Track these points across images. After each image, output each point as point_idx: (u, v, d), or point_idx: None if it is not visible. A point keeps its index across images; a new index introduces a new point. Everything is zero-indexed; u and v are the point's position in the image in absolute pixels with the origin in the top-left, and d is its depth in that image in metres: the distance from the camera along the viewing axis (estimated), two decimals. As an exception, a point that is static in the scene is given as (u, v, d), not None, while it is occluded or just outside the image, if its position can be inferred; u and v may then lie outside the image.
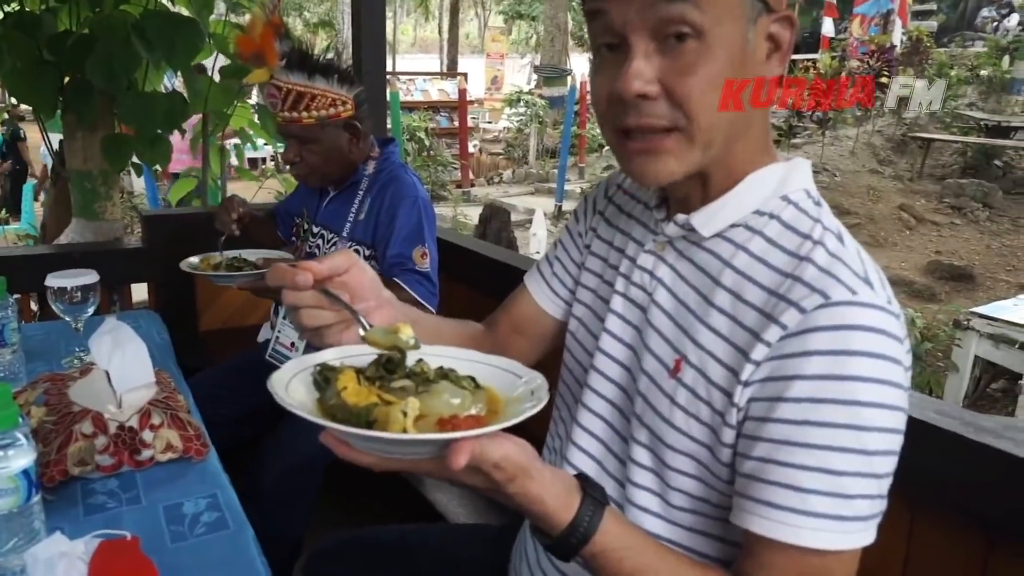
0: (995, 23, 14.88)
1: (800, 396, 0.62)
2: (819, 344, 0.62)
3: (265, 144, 3.33)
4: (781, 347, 0.63)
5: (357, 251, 1.78)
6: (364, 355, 0.66)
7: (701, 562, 0.69)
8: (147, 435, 1.02)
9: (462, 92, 10.83)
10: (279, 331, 1.84)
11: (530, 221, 8.67)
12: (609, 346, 0.80)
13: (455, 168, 10.85)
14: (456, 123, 11.43)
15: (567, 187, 9.77)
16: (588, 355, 0.83)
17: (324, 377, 0.62)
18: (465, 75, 12.15)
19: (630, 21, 0.64)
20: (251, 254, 1.79)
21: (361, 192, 1.81)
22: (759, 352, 0.65)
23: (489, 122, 16.74)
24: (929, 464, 0.97)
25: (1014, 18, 14.83)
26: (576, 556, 0.64)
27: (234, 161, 3.42)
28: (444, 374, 0.64)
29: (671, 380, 0.72)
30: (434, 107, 11.59)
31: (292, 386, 0.62)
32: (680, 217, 0.74)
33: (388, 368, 0.64)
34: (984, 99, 12.87)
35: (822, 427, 0.61)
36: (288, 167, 1.83)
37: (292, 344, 1.81)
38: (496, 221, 5.20)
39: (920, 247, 8.77)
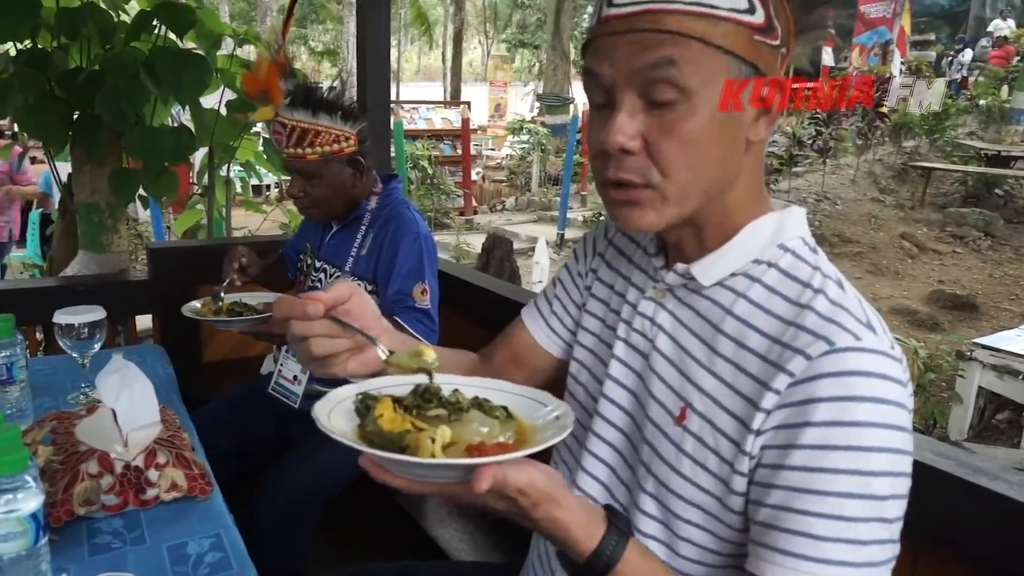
0: (949, 58, 15.05)
1: (810, 443, 0.64)
2: (826, 390, 0.63)
3: (268, 172, 3.37)
4: (790, 394, 0.65)
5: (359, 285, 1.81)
6: (402, 385, 0.70)
7: None
8: (152, 474, 1.03)
9: (465, 121, 10.97)
10: (282, 364, 1.86)
11: (533, 249, 8.70)
12: (613, 392, 0.81)
13: (458, 196, 10.93)
14: (459, 151, 11.54)
15: (569, 215, 9.83)
16: (592, 399, 0.84)
17: (365, 405, 0.67)
18: (468, 104, 12.31)
19: (618, 81, 0.68)
20: (252, 298, 1.82)
21: (364, 227, 1.84)
22: (769, 400, 0.66)
23: (492, 149, 16.88)
24: (928, 504, 0.98)
25: (967, 53, 15.04)
26: None
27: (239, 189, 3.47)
28: (479, 403, 0.68)
29: (677, 428, 0.73)
30: (437, 135, 11.71)
31: (334, 414, 0.67)
32: (680, 266, 0.76)
33: (425, 397, 0.68)
34: (984, 128, 12.98)
35: (833, 473, 0.63)
36: (293, 201, 1.87)
37: (295, 377, 1.82)
38: (499, 250, 5.24)
39: (922, 276, 8.78)
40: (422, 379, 0.70)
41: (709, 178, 0.69)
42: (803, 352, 0.65)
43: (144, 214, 6.92)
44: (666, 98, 0.66)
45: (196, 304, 1.80)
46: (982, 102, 13.28)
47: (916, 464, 0.96)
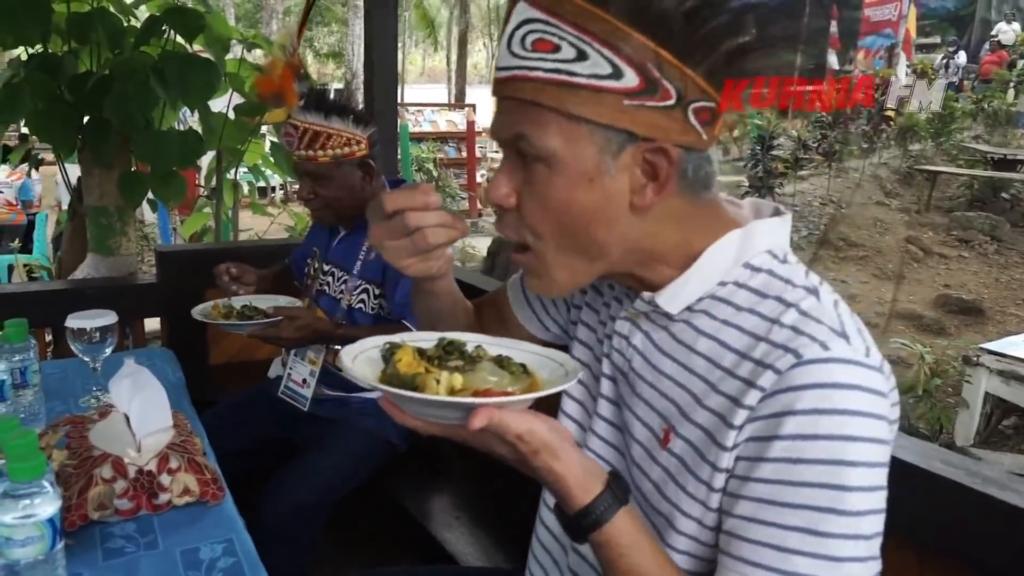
0: (945, 61, 14.95)
1: (779, 456, 0.63)
2: (795, 404, 0.63)
3: (273, 173, 3.39)
4: (760, 408, 0.65)
5: (367, 290, 1.82)
6: (430, 340, 0.75)
7: None
8: (165, 479, 1.04)
9: (470, 124, 10.98)
10: (291, 368, 1.87)
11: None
12: (603, 409, 0.82)
13: (463, 198, 10.95)
14: (464, 153, 11.55)
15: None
16: (587, 415, 0.85)
17: (390, 352, 0.71)
18: (473, 107, 12.32)
19: (499, 134, 0.71)
20: (262, 301, 1.83)
21: None
22: (739, 417, 0.66)
23: (497, 151, 16.91)
24: (936, 514, 0.99)
25: (961, 56, 14.98)
26: (586, 538, 0.67)
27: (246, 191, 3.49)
28: (499, 359, 0.71)
29: (663, 451, 0.73)
30: (442, 137, 11.72)
31: (359, 361, 0.72)
32: (646, 294, 0.75)
33: (447, 350, 0.72)
34: (990, 132, 12.95)
35: (804, 487, 0.62)
36: (302, 204, 1.88)
37: (304, 381, 1.83)
38: (504, 254, 5.25)
39: (928, 280, 8.76)
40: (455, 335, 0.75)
41: (590, 241, 0.70)
42: (772, 367, 0.65)
43: (151, 216, 6.95)
44: (530, 162, 0.69)
45: (206, 306, 1.82)
46: (987, 105, 13.27)
47: (925, 473, 0.98)
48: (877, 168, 11.69)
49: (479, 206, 11.28)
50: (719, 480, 0.68)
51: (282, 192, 10.48)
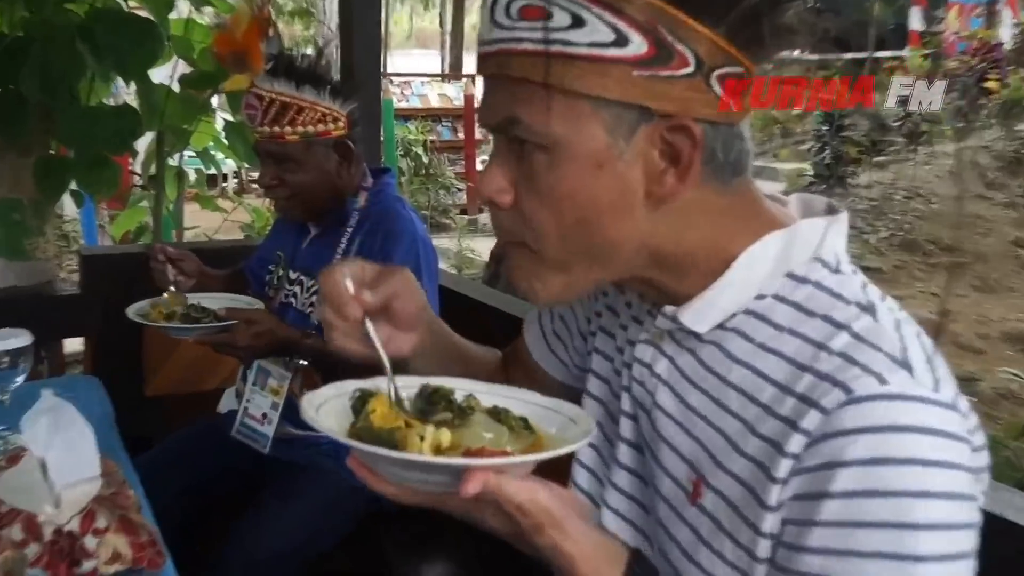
0: None
1: (831, 519, 0.62)
2: (847, 453, 0.62)
3: (226, 158, 3.41)
4: (806, 458, 0.64)
5: None
6: (409, 387, 0.75)
7: None
8: (90, 542, 1.03)
9: (468, 98, 11.02)
10: (248, 400, 1.87)
11: (552, 257, 8.74)
12: (624, 456, 0.82)
13: (459, 190, 10.99)
14: (461, 135, 11.60)
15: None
16: (604, 464, 0.85)
17: (361, 400, 0.72)
18: (472, 78, 12.37)
19: (488, 120, 0.72)
20: (212, 301, 1.83)
21: (349, 230, 1.85)
22: (783, 468, 0.65)
23: (500, 133, 17.00)
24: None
25: None
26: None
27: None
28: (495, 412, 0.72)
29: (692, 508, 0.73)
30: (434, 115, 11.78)
31: (324, 410, 0.72)
32: (668, 309, 0.75)
33: (432, 400, 0.72)
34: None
35: (865, 559, 0.61)
36: (264, 194, 1.88)
37: (264, 416, 1.84)
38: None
39: (1043, 293, 8.74)
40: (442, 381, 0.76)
41: (600, 240, 0.71)
42: (818, 404, 0.64)
43: (71, 210, 6.99)
44: (527, 150, 0.70)
45: (144, 305, 1.80)
46: None
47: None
48: (976, 153, 11.67)
49: (479, 200, 11.32)
50: (763, 548, 0.67)
51: (236, 182, 10.54)
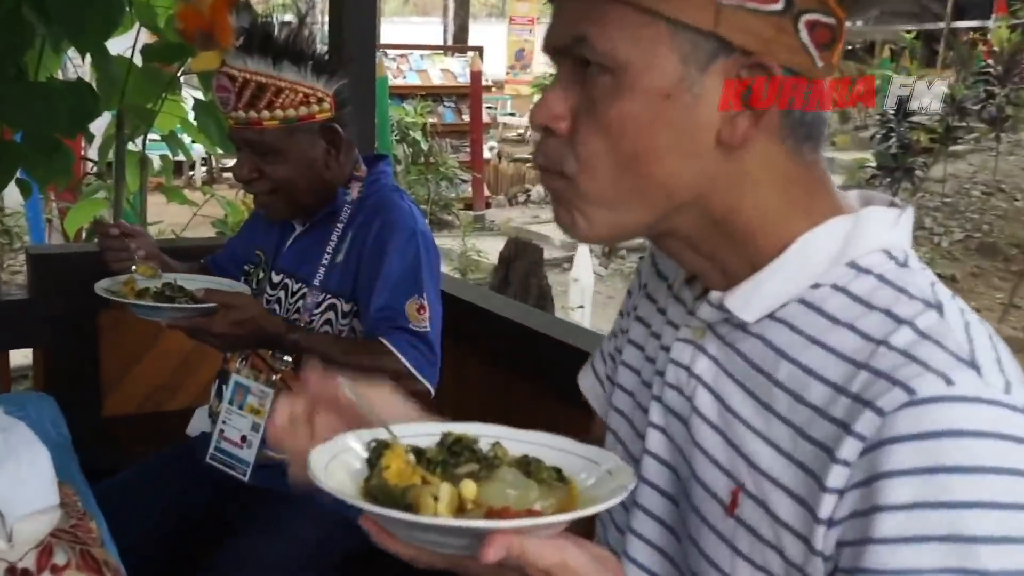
0: None
1: (890, 535, 0.65)
2: (906, 461, 0.64)
3: (194, 142, 3.44)
4: (862, 466, 0.66)
5: (334, 306, 1.85)
6: (432, 435, 0.77)
7: None
8: (47, 580, 1.06)
9: (475, 75, 11.03)
10: (224, 422, 1.89)
11: (569, 260, 8.69)
12: (651, 472, 0.85)
13: (464, 182, 11.02)
14: (466, 118, 11.64)
15: (624, 211, 9.90)
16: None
17: (376, 453, 0.73)
18: (480, 50, 12.43)
19: (554, 41, 0.76)
20: (190, 282, 1.85)
21: (340, 225, 1.87)
22: (837, 477, 0.68)
23: (512, 114, 16.91)
24: None
25: None
26: None
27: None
28: (525, 462, 0.74)
29: (729, 520, 0.75)
30: (435, 94, 11.83)
31: (334, 464, 0.74)
32: (714, 295, 0.79)
33: (454, 450, 0.74)
34: None
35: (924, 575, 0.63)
36: (242, 187, 1.90)
37: (243, 439, 1.85)
38: (523, 262, 5.30)
39: None
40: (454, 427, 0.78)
41: (655, 180, 0.75)
42: (873, 405, 0.66)
43: (15, 202, 7.04)
44: (592, 74, 0.74)
45: (115, 281, 1.81)
46: None
47: None
48: (931, 90, 11.61)
49: (487, 193, 11.36)
50: (816, 567, 0.69)
51: (205, 170, 10.60)
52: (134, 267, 1.85)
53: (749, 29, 0.70)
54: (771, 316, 0.77)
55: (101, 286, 1.78)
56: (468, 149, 11.46)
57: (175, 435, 2.18)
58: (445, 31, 20.76)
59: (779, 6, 0.70)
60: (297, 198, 1.85)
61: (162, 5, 2.89)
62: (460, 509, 0.68)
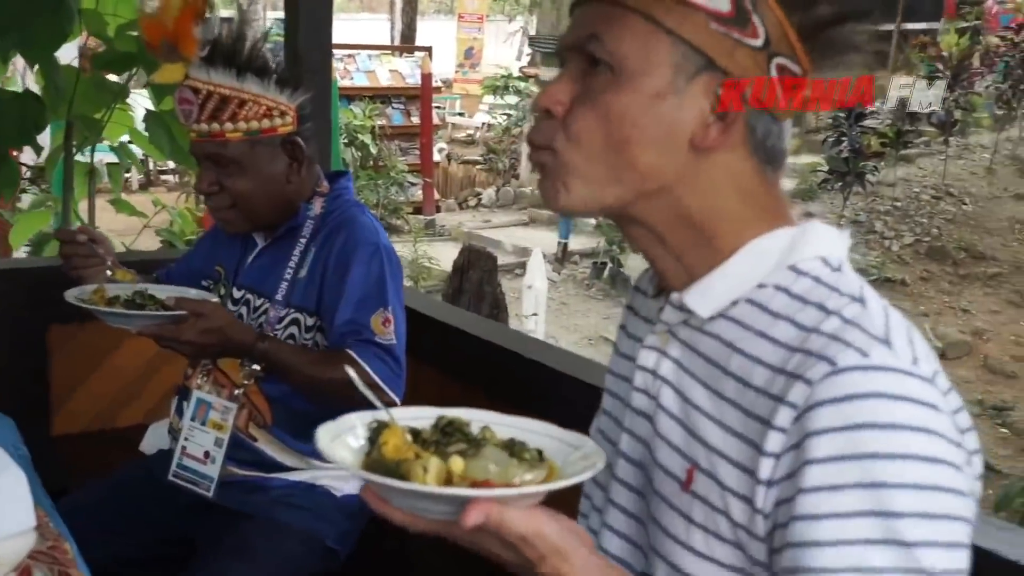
0: None
1: (816, 484, 0.77)
2: (829, 420, 0.77)
3: (146, 155, 3.44)
4: (795, 431, 0.79)
5: (297, 321, 1.90)
6: (427, 418, 0.88)
7: None
8: (26, 602, 1.10)
9: (426, 77, 11.04)
10: (186, 439, 1.91)
11: (522, 266, 8.76)
12: (623, 472, 0.97)
13: (413, 185, 11.02)
14: (415, 119, 11.64)
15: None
16: (602, 491, 1.00)
17: (377, 431, 0.84)
18: (429, 50, 12.45)
19: (569, 39, 0.91)
20: (160, 290, 1.90)
21: (303, 240, 1.91)
22: (774, 442, 0.80)
23: (461, 114, 16.96)
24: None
25: None
26: None
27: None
28: (510, 444, 0.84)
29: (685, 495, 0.88)
30: (383, 95, 11.81)
31: (337, 443, 0.85)
32: (674, 296, 0.92)
33: (446, 431, 0.84)
34: None
35: (846, 519, 0.75)
36: (204, 202, 1.93)
37: (206, 455, 1.87)
38: (477, 270, 5.35)
39: (1091, 309, 8.99)
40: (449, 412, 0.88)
41: (628, 164, 0.88)
42: (803, 377, 0.79)
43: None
44: (596, 69, 0.88)
45: (85, 289, 1.85)
46: None
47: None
48: (1016, 145, 11.98)
49: (436, 197, 11.38)
50: (758, 525, 0.82)
51: (143, 175, 10.44)
52: (109, 272, 1.90)
53: (732, 55, 0.85)
54: (723, 315, 0.89)
55: (71, 295, 1.82)
56: (417, 152, 11.49)
57: (126, 453, 2.19)
58: (393, 28, 20.73)
59: (759, 42, 0.85)
60: (257, 212, 1.88)
61: (111, 14, 2.90)
62: (448, 482, 0.78)
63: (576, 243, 9.77)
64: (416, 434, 0.84)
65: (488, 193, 12.03)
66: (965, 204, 10.77)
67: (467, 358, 2.22)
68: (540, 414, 0.95)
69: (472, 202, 12.03)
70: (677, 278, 0.92)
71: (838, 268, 0.88)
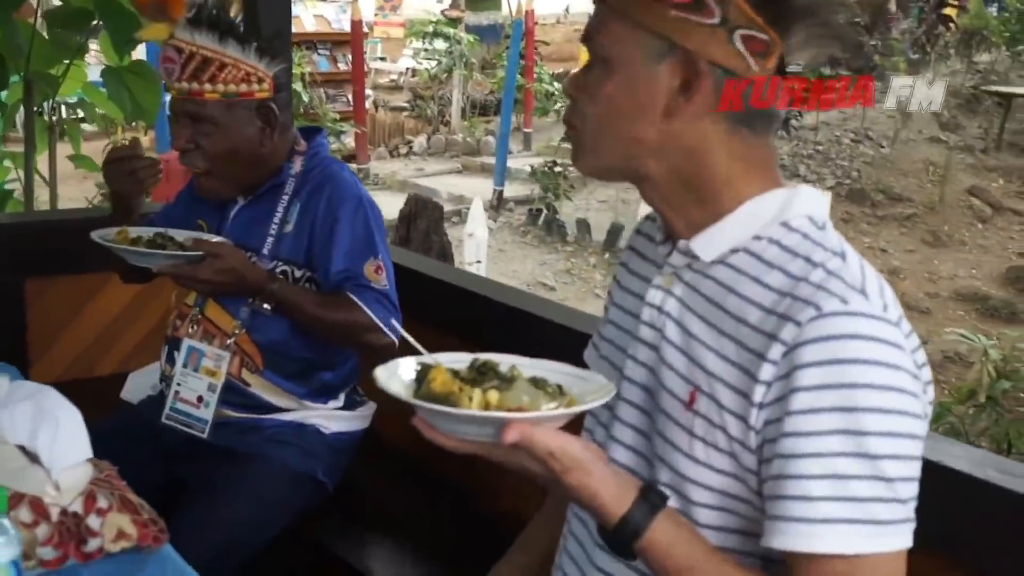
0: None
1: (801, 408, 0.95)
2: (814, 355, 0.94)
3: (102, 111, 3.47)
4: (784, 364, 0.96)
5: (284, 273, 2.02)
6: (464, 362, 1.05)
7: (745, 564, 1.03)
8: (94, 521, 1.26)
9: (356, 24, 10.71)
10: (179, 384, 2.04)
11: (458, 214, 8.88)
12: (628, 392, 1.15)
13: (343, 132, 10.89)
14: (341, 66, 11.50)
15: (510, 162, 10.05)
16: (608, 410, 1.18)
17: (423, 372, 1.01)
18: (355, -2, 12.24)
19: (583, 37, 1.13)
20: (178, 233, 2.02)
21: (286, 197, 2.04)
22: (767, 372, 0.97)
23: (383, 59, 16.67)
24: (994, 528, 1.32)
25: None
26: (629, 549, 0.99)
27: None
28: (535, 381, 1.01)
29: (687, 412, 1.05)
30: (309, 41, 11.63)
31: (392, 381, 1.01)
32: (682, 243, 1.09)
33: (481, 371, 1.01)
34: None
35: (824, 435, 0.94)
36: (179, 158, 2.02)
37: (200, 399, 2.00)
38: (424, 220, 5.48)
39: (997, 247, 9.49)
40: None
41: (620, 134, 1.08)
42: (793, 319, 0.96)
43: None
44: (594, 60, 1.09)
45: (109, 231, 1.97)
46: None
47: (978, 483, 1.30)
48: (931, 89, 12.39)
49: (369, 147, 11.30)
50: (750, 438, 0.99)
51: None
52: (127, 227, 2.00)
53: (690, 35, 1.01)
54: (723, 262, 1.07)
55: (97, 235, 1.93)
56: (344, 99, 11.36)
57: (104, 400, 2.26)
58: (314, -28, 20.31)
59: (715, 20, 1.01)
60: (230, 172, 2.00)
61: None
62: (487, 409, 0.95)
63: (511, 190, 9.89)
64: (456, 373, 1.00)
65: (419, 141, 12.01)
66: (883, 147, 11.15)
67: (426, 300, 2.34)
68: (522, 352, 1.12)
69: (403, 150, 11.99)
70: (683, 229, 1.10)
71: (822, 226, 1.06)
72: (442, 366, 1.00)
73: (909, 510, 0.97)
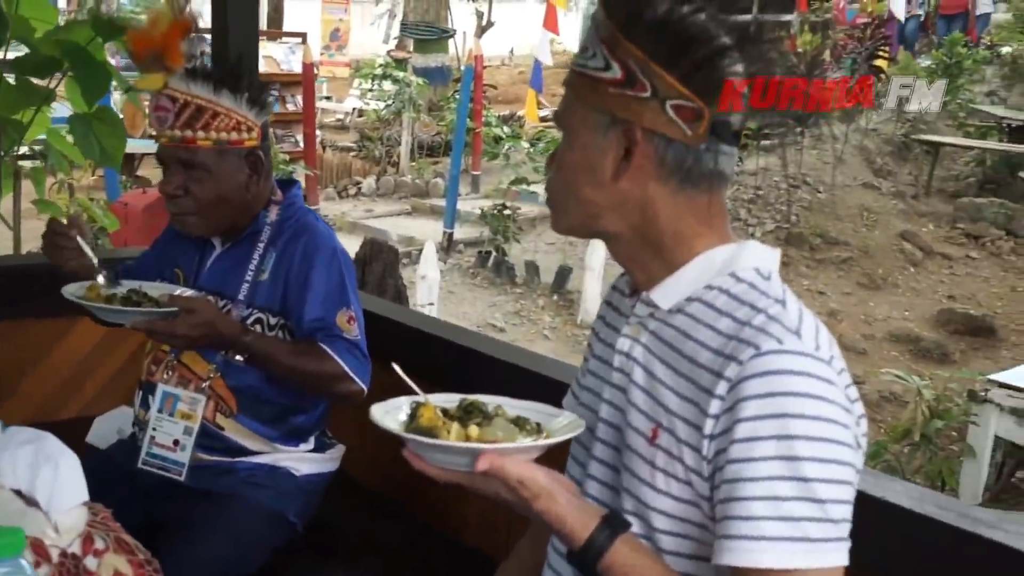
0: None
1: (743, 436, 1.06)
2: (753, 389, 1.06)
3: (67, 157, 3.50)
4: (729, 398, 1.08)
5: (260, 320, 2.08)
6: (453, 401, 1.19)
7: None
8: (91, 562, 1.30)
9: (307, 67, 10.76)
10: (155, 428, 2.08)
11: (408, 256, 8.92)
12: (602, 432, 1.26)
13: (292, 173, 10.86)
14: (290, 107, 11.58)
15: (459, 205, 10.08)
16: (585, 449, 1.30)
17: (416, 409, 1.15)
18: (304, 36, 12.31)
19: (555, 119, 1.29)
20: (152, 287, 2.06)
21: (262, 245, 2.10)
22: (715, 406, 1.09)
23: (328, 98, 16.63)
24: (933, 561, 1.44)
25: None
26: (593, 570, 1.09)
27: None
28: (516, 420, 1.15)
29: (651, 448, 1.16)
30: (257, 83, 11.65)
31: (387, 417, 1.14)
32: (644, 295, 1.22)
33: (468, 410, 1.16)
34: (1007, 87, 14.19)
35: (763, 461, 1.05)
36: (167, 203, 2.07)
37: (176, 443, 2.05)
38: (379, 263, 5.52)
39: (928, 290, 9.80)
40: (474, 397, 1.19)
41: (578, 196, 1.22)
42: (736, 358, 1.08)
43: None
44: (562, 135, 1.25)
45: (81, 286, 1.98)
46: (1004, 50, 14.54)
47: (917, 518, 1.41)
48: (865, 136, 12.76)
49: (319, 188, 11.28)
50: (703, 467, 1.11)
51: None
52: (99, 277, 2.02)
53: (626, 108, 1.15)
54: (681, 311, 1.19)
55: (69, 291, 1.96)
56: (293, 139, 11.42)
57: (69, 445, 2.29)
58: (263, 13, 20.34)
59: (647, 94, 1.13)
60: (216, 217, 2.06)
61: (39, 19, 2.99)
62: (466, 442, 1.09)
63: (460, 232, 9.96)
64: (445, 411, 1.14)
65: (368, 182, 12.02)
66: (819, 192, 11.44)
67: (383, 341, 2.40)
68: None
69: (352, 191, 12.01)
70: (645, 281, 1.22)
71: (768, 277, 1.18)
72: (431, 404, 1.14)
73: (842, 530, 1.08)
